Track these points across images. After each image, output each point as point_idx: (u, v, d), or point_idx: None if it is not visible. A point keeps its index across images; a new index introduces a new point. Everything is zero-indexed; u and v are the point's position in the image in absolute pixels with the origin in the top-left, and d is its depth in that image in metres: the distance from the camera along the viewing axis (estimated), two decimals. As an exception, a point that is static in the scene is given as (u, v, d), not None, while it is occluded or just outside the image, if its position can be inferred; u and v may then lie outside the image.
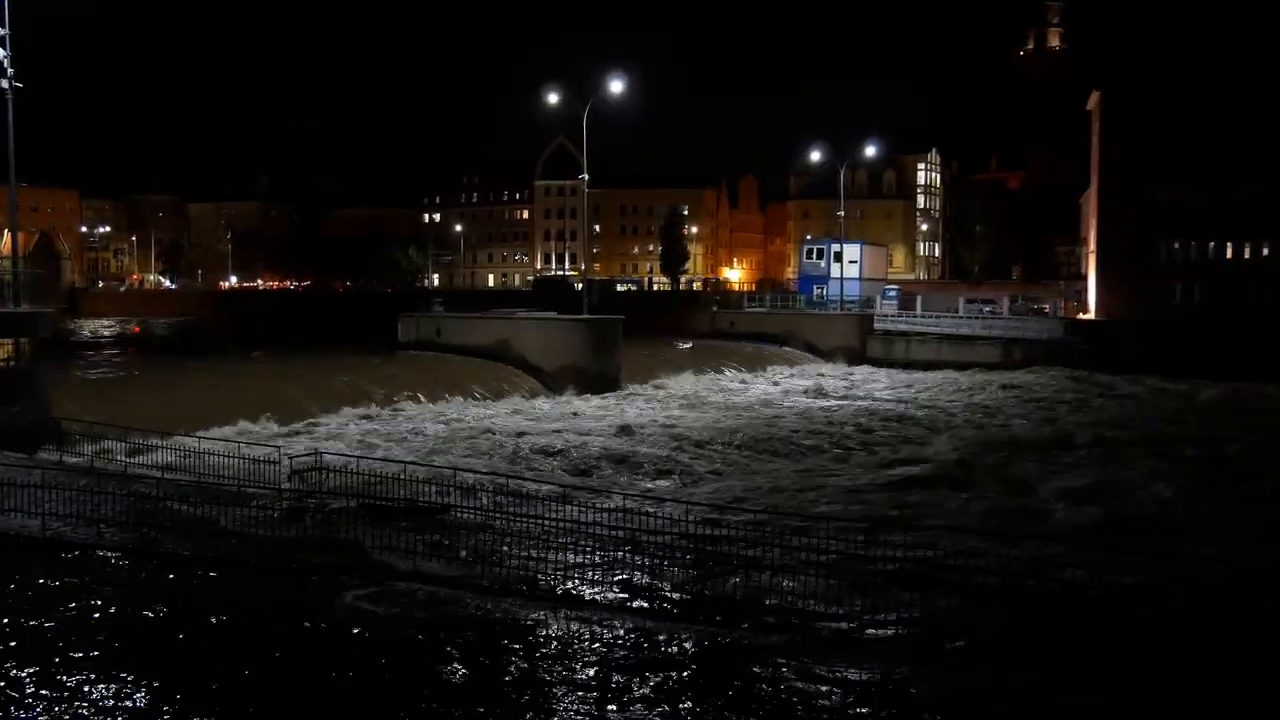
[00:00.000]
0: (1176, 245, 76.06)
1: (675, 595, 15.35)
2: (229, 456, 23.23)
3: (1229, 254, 75.59)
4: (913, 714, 11.43)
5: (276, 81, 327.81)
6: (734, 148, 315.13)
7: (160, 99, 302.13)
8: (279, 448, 23.72)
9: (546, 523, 17.93)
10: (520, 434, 35.41)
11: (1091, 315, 78.48)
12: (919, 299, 78.72)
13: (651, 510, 18.15)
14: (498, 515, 18.69)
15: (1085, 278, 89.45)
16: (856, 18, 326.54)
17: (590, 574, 15.95)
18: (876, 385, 56.29)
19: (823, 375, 60.88)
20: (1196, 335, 61.39)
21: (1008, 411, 45.25)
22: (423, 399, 40.79)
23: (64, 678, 11.57)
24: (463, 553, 16.62)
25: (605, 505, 19.66)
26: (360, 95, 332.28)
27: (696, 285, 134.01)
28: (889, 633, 13.82)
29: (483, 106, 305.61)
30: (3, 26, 27.82)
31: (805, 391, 51.93)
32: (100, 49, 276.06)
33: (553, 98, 49.77)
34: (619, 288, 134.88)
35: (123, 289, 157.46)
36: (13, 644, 12.54)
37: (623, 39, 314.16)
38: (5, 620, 13.38)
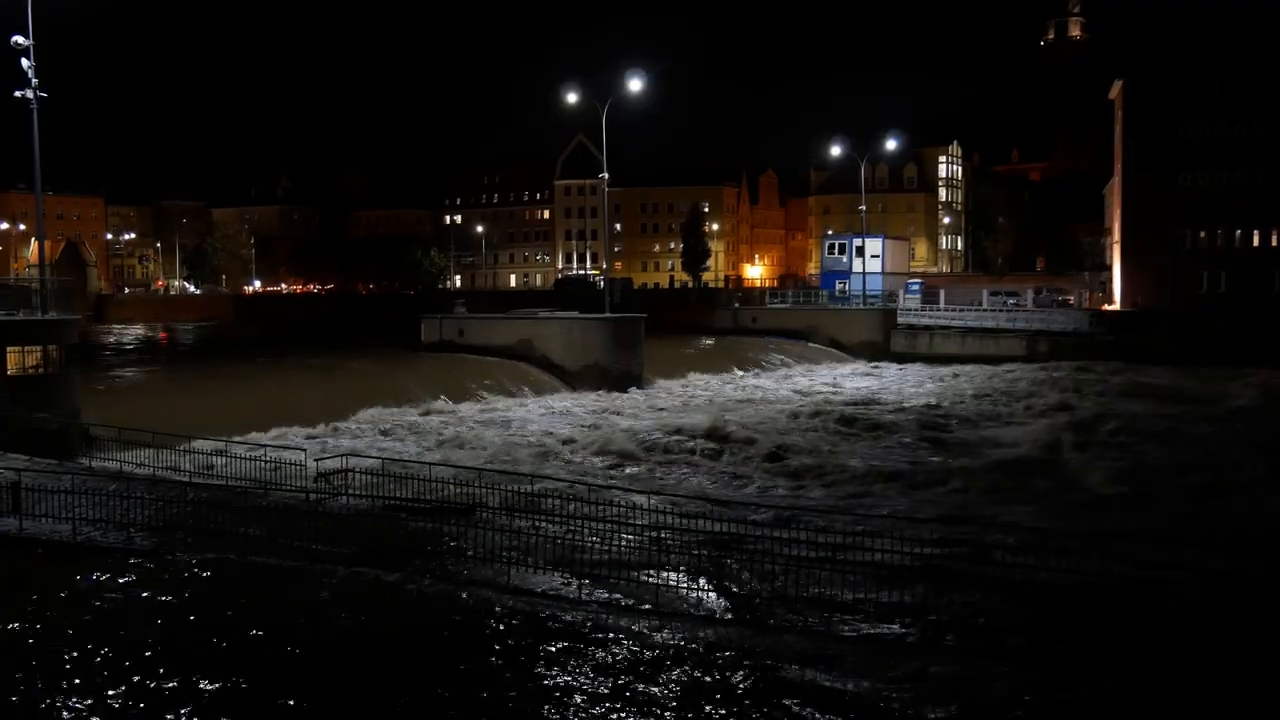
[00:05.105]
0: (1202, 234, 75.25)
1: (699, 593, 15.32)
2: (256, 460, 23.36)
3: (1255, 241, 74.76)
4: (924, 714, 11.35)
5: (277, 82, 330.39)
6: (753, 139, 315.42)
7: (166, 98, 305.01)
8: (305, 450, 23.86)
9: (572, 522, 17.94)
10: (545, 433, 35.46)
11: (1117, 306, 77.82)
12: (942, 293, 78.30)
13: (678, 509, 18.14)
14: (523, 515, 18.70)
15: (1110, 268, 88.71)
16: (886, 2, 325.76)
17: (611, 572, 15.92)
18: (905, 382, 55.97)
19: (847, 371, 60.69)
20: (1228, 325, 60.43)
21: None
22: (447, 400, 40.92)
23: (96, 680, 11.66)
24: (485, 552, 16.62)
25: (629, 504, 19.66)
26: (357, 96, 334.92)
27: (718, 282, 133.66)
28: (907, 630, 13.74)
29: (485, 107, 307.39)
30: (27, 38, 28.09)
31: (831, 388, 51.78)
32: (100, 50, 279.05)
33: (571, 97, 49.62)
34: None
35: (149, 290, 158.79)
36: (46, 647, 12.64)
37: (632, 24, 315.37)
38: (38, 624, 13.49)
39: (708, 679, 11.95)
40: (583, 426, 36.98)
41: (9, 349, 27.21)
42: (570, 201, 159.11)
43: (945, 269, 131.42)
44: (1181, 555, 16.55)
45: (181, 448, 24.96)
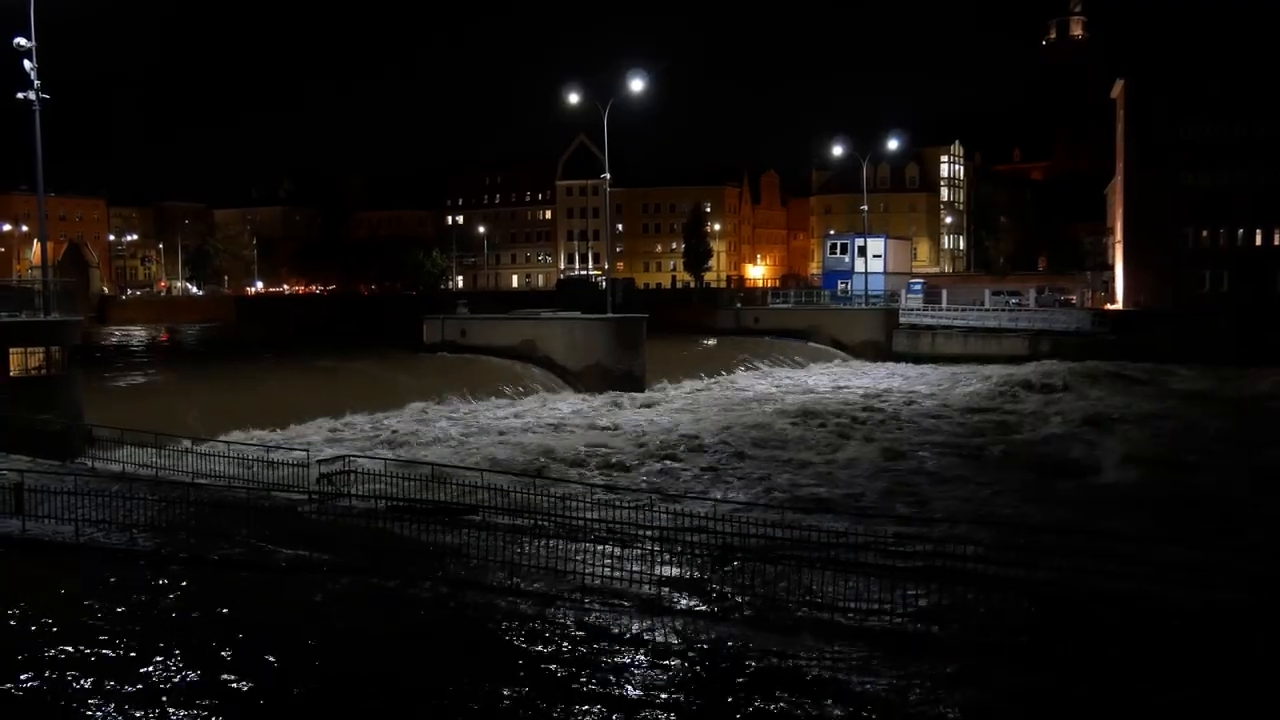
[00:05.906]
0: (1204, 233, 75.25)
1: (700, 594, 15.32)
2: (258, 461, 23.38)
3: (1258, 240, 74.73)
4: (924, 713, 11.37)
5: (277, 82, 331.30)
6: (754, 139, 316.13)
7: (166, 98, 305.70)
8: (307, 451, 23.87)
9: (574, 523, 17.95)
10: (547, 434, 35.47)
11: (1119, 305, 77.82)
12: (944, 292, 78.32)
13: (680, 510, 18.14)
14: (525, 516, 18.71)
15: (1112, 268, 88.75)
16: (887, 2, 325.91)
17: (613, 573, 15.93)
18: (907, 381, 55.93)
19: (850, 371, 60.68)
20: (1231, 324, 60.25)
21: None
22: (450, 400, 40.94)
23: (97, 681, 11.69)
24: (486, 553, 16.64)
25: (631, 505, 19.67)
26: (357, 96, 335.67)
27: (720, 282, 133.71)
28: (907, 629, 13.75)
29: (485, 107, 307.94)
30: (29, 40, 28.13)
31: (835, 388, 51.78)
32: (100, 50, 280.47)
33: (572, 98, 49.60)
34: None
35: (143, 294, 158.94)
36: (48, 648, 12.67)
37: (632, 24, 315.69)
38: (41, 625, 13.52)
39: (709, 679, 11.98)
40: (585, 427, 37.00)
41: (12, 350, 27.27)
42: (572, 202, 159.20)
43: (947, 269, 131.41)
44: (1184, 555, 16.54)
45: (184, 449, 24.99)
